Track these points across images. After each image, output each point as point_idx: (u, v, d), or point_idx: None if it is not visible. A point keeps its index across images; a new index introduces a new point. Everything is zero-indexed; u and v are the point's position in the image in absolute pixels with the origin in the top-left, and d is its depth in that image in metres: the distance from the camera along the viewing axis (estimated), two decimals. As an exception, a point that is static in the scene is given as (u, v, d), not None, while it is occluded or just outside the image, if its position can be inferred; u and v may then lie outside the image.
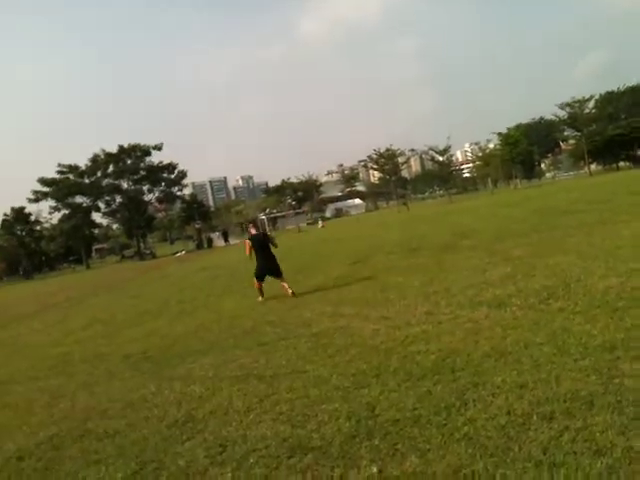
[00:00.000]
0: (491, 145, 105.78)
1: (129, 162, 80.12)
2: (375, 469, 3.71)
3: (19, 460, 5.16)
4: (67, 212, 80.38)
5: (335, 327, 8.21)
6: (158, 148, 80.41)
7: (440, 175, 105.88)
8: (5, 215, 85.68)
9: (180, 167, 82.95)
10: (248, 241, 13.14)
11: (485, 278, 9.92)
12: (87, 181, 79.50)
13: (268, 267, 12.81)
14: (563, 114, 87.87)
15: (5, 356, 11.46)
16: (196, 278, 23.04)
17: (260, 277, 12.82)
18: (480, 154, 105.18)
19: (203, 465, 4.27)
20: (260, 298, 12.61)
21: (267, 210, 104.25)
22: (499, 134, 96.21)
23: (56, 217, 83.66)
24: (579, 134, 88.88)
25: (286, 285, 12.54)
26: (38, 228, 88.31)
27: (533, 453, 3.54)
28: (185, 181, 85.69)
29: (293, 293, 12.24)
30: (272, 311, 10.74)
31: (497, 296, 8.24)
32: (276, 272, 12.84)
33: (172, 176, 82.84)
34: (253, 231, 13.61)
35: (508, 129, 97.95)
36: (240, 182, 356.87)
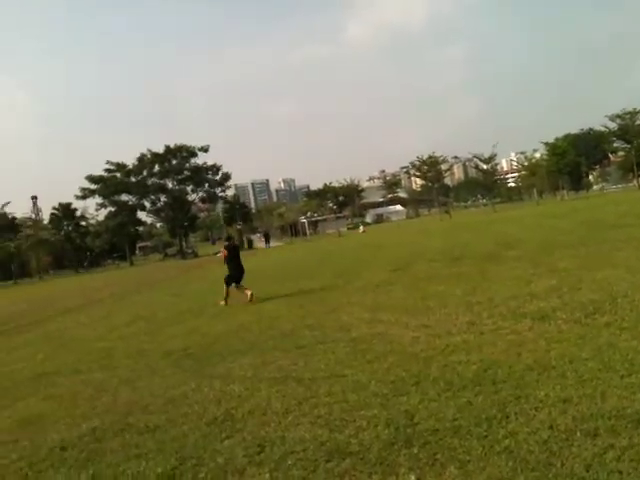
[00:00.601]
0: (537, 155, 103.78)
1: (174, 162, 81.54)
2: (413, 478, 3.69)
3: (62, 450, 5.29)
4: (113, 209, 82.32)
5: (374, 333, 8.19)
6: (204, 150, 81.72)
7: (484, 183, 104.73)
8: (54, 209, 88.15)
9: (224, 169, 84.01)
10: (224, 249, 14.91)
11: (529, 290, 9.76)
12: (133, 180, 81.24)
13: (238, 274, 14.51)
14: (613, 126, 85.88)
15: (52, 349, 11.76)
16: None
17: (230, 283, 14.34)
18: (526, 164, 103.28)
19: (241, 464, 4.31)
20: (223, 302, 14.05)
21: (308, 213, 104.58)
22: (546, 144, 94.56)
23: (102, 214, 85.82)
24: (629, 146, 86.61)
25: (248, 292, 13.99)
26: (84, 224, 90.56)
27: (576, 470, 3.47)
28: (228, 182, 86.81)
29: (252, 298, 13.78)
30: (310, 314, 10.77)
31: (541, 308, 8.09)
32: (241, 279, 14.57)
33: (216, 177, 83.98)
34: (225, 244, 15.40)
35: (556, 139, 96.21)
36: (282, 185, 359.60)
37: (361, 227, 72.79)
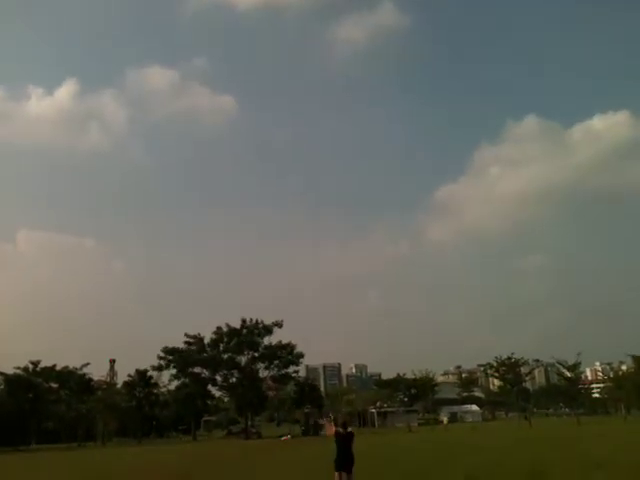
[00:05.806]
0: (624, 367, 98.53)
1: (249, 338, 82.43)
2: None
3: None
4: (185, 380, 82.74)
5: None
6: (279, 325, 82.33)
7: (567, 391, 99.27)
8: (129, 376, 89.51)
9: (298, 349, 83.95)
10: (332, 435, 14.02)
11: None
12: (209, 353, 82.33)
13: (343, 461, 13.06)
14: None
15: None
16: (307, 467, 22.41)
17: (336, 468, 13.02)
18: (612, 375, 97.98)
19: None
20: None
21: (377, 404, 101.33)
22: (633, 357, 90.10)
23: (174, 383, 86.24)
24: None
25: None
26: (155, 391, 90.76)
27: None
28: (300, 361, 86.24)
29: None
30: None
31: None
32: (347, 467, 13.06)
33: (289, 356, 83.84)
34: (337, 429, 14.09)
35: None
36: (354, 370, 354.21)
37: (445, 419, 70.78)
